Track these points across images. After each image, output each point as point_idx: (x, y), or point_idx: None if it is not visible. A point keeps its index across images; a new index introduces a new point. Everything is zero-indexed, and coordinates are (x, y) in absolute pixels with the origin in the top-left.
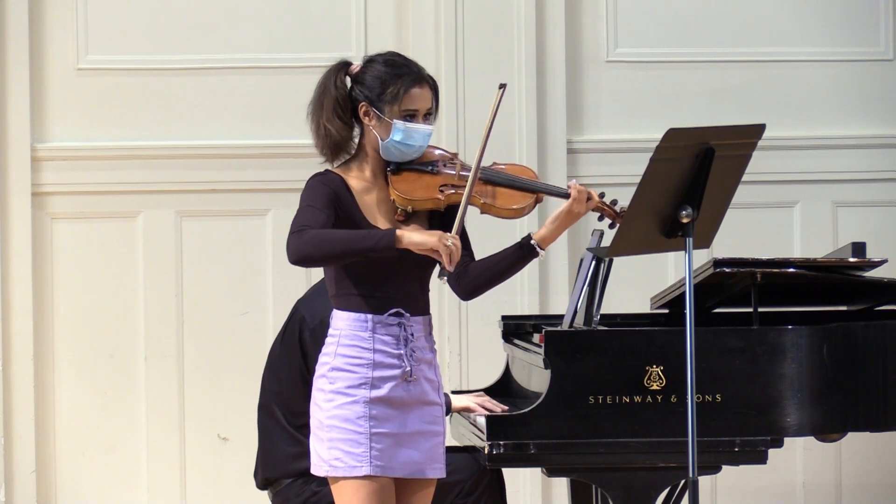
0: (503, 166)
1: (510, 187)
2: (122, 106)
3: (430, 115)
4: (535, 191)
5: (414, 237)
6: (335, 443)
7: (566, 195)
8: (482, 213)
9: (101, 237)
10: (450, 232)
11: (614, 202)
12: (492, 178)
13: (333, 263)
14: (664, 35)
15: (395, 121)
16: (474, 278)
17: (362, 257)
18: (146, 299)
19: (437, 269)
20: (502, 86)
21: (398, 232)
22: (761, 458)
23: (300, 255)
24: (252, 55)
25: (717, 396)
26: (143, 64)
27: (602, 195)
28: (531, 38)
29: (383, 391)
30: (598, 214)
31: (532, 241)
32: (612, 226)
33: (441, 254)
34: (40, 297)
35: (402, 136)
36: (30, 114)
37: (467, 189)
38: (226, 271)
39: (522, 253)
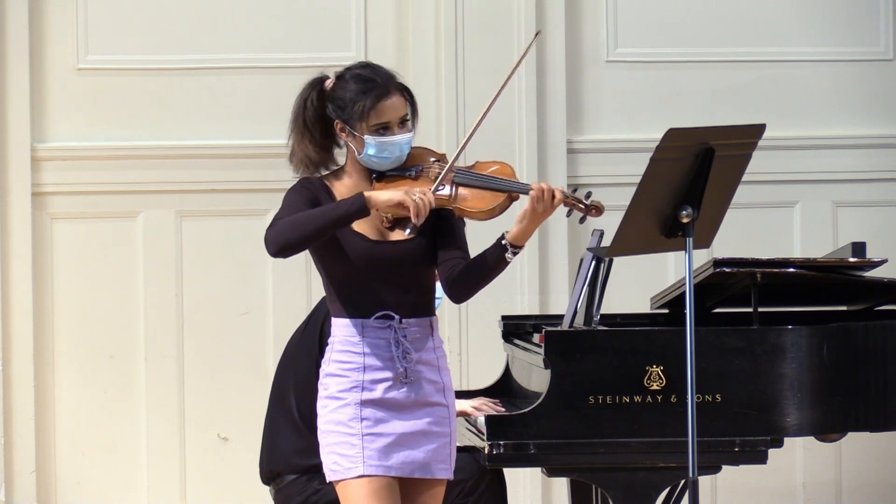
0: (488, 166)
1: (480, 188)
2: (122, 106)
3: (406, 121)
4: (503, 190)
5: (382, 195)
6: (332, 447)
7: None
8: (457, 216)
9: (101, 237)
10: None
11: (588, 195)
12: (462, 181)
13: (313, 242)
14: (664, 35)
15: (365, 136)
16: (460, 281)
17: (339, 227)
18: (146, 299)
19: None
20: (538, 33)
21: (366, 193)
22: (761, 458)
23: (278, 243)
24: (252, 55)
25: (717, 396)
26: (143, 64)
27: (575, 190)
28: (531, 38)
29: (376, 393)
30: (567, 210)
31: (504, 242)
32: (582, 220)
33: (408, 205)
34: (40, 297)
35: (376, 150)
36: (30, 114)
37: (461, 144)
38: (226, 271)
39: (497, 254)
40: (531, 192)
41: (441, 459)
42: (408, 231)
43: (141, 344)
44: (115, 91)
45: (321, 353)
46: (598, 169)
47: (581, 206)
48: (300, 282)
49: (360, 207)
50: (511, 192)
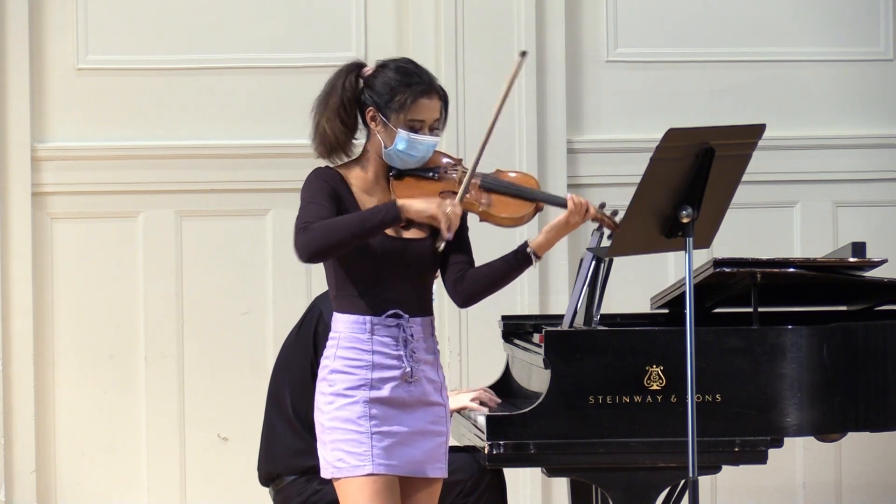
0: (512, 175)
1: (510, 195)
2: (122, 106)
3: (437, 126)
4: (535, 200)
5: (415, 205)
6: (337, 444)
7: (564, 205)
8: (481, 220)
9: (101, 237)
10: (452, 216)
11: (614, 213)
12: (492, 186)
13: (346, 249)
14: (664, 35)
15: (399, 130)
16: (471, 285)
17: (373, 235)
18: (146, 299)
19: (437, 237)
20: (524, 53)
21: (399, 202)
22: (761, 458)
23: (311, 250)
24: (252, 55)
25: (717, 396)
26: (143, 64)
27: (602, 206)
28: (531, 38)
29: (383, 392)
30: (597, 225)
31: (528, 249)
32: (610, 236)
33: (440, 220)
34: (40, 297)
35: (406, 145)
36: (30, 114)
37: (474, 159)
38: (226, 271)
39: (518, 261)
40: (569, 205)
41: (437, 458)
42: (440, 246)
43: (141, 344)
44: (115, 91)
45: (316, 355)
46: (598, 169)
47: (610, 222)
48: (300, 282)
49: (395, 217)
50: (546, 202)
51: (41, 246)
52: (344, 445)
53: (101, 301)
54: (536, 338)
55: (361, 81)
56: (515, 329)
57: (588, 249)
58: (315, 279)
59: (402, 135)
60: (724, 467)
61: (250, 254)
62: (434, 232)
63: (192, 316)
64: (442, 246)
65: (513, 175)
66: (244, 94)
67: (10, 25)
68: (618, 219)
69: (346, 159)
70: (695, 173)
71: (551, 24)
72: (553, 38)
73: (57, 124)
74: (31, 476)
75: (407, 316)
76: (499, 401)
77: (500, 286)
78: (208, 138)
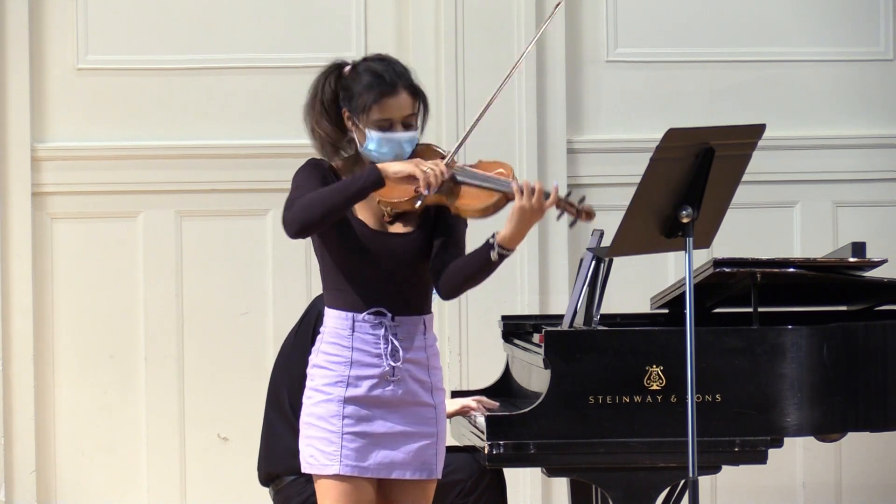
0: (485, 163)
1: (475, 186)
2: (122, 106)
3: (411, 121)
4: (492, 189)
5: (394, 166)
6: (310, 440)
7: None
8: (453, 213)
9: (101, 237)
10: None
11: (582, 199)
12: (459, 177)
13: (332, 219)
14: (664, 35)
15: (367, 130)
16: (450, 278)
17: (358, 200)
18: (146, 299)
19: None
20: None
21: (379, 165)
22: (761, 458)
23: (298, 223)
24: (252, 55)
25: (717, 396)
26: (143, 64)
27: (569, 194)
28: (531, 38)
29: (360, 390)
30: (558, 213)
31: (491, 241)
32: (572, 224)
33: (418, 178)
34: (40, 297)
35: (376, 145)
36: (30, 114)
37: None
38: (226, 271)
39: (483, 252)
40: (514, 188)
41: (424, 460)
42: (417, 203)
43: (141, 344)
44: (115, 91)
45: None
46: (598, 169)
47: (572, 209)
48: (300, 282)
49: (377, 179)
50: (497, 190)
51: (41, 246)
52: (316, 443)
53: (101, 301)
54: (536, 338)
55: (340, 82)
56: (515, 329)
57: (588, 249)
58: (315, 279)
59: (372, 135)
60: (724, 467)
61: (250, 254)
62: (420, 226)
63: (192, 316)
64: (419, 203)
65: (486, 164)
66: (244, 94)
67: (10, 25)
68: (582, 205)
69: (345, 157)
70: (695, 173)
71: (551, 24)
72: (553, 38)
73: (57, 124)
74: (31, 476)
75: (390, 314)
76: (496, 404)
77: (474, 281)
78: (208, 138)
